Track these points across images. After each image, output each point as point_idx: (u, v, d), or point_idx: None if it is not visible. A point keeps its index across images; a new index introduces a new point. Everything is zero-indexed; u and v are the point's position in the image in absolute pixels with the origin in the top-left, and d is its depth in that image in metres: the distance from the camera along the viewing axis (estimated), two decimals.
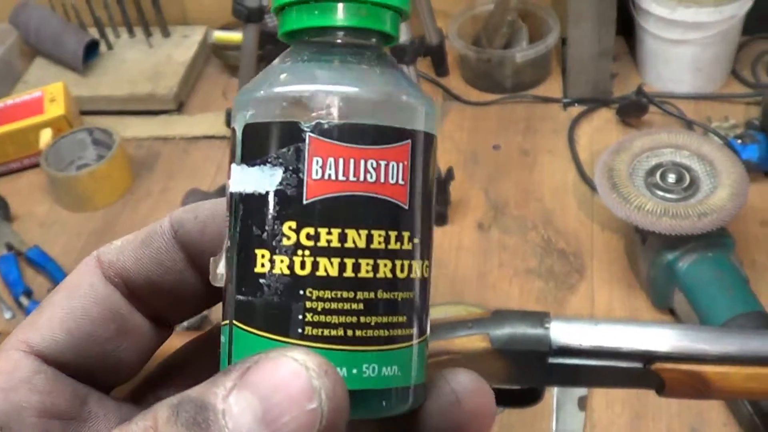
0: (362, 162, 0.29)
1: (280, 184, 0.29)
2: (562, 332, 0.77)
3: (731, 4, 1.36)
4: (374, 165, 0.29)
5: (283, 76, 0.30)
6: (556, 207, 1.28)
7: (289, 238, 0.29)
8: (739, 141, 1.26)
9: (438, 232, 1.26)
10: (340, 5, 0.30)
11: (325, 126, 0.29)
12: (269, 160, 0.29)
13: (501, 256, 1.21)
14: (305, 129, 0.29)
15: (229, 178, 0.31)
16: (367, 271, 0.29)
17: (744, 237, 1.16)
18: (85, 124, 1.50)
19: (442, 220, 1.27)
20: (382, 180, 0.29)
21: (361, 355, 0.29)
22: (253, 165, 0.30)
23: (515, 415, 0.99)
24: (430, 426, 0.32)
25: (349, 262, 0.29)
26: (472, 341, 0.79)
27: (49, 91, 1.50)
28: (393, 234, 0.30)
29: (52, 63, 1.66)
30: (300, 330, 0.29)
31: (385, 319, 0.30)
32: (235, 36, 1.57)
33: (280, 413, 0.25)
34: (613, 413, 0.99)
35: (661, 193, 1.08)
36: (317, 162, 0.29)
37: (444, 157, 1.32)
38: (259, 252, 0.30)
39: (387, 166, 0.29)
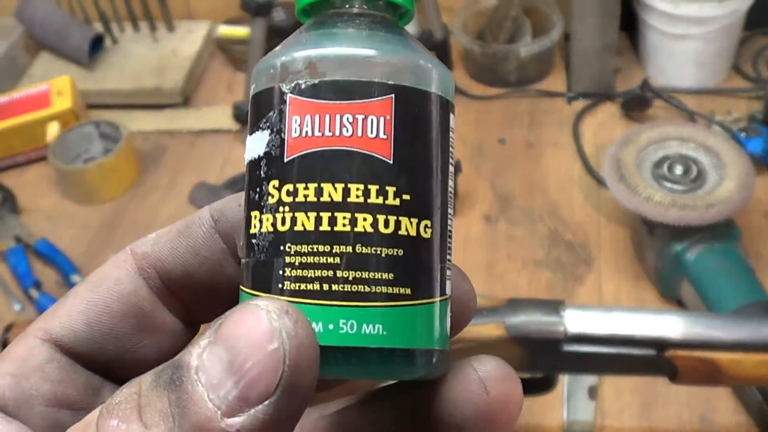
0: (338, 117, 0.29)
1: (267, 146, 0.30)
2: (576, 320, 0.78)
3: (733, 0, 1.37)
4: (350, 119, 0.29)
5: (278, 48, 0.32)
6: (563, 199, 1.29)
7: (273, 196, 0.30)
8: (743, 134, 1.27)
9: None
10: None
11: (302, 86, 0.30)
12: (261, 125, 0.30)
13: (509, 247, 1.22)
14: (285, 91, 0.30)
15: None
16: (344, 225, 0.29)
17: (749, 229, 1.17)
18: (91, 117, 1.51)
19: None
20: (360, 134, 0.29)
21: (338, 310, 0.29)
22: (253, 133, 0.31)
23: (526, 404, 1.00)
24: (457, 414, 0.31)
25: (325, 216, 0.29)
26: (488, 329, 0.80)
27: (56, 85, 1.51)
28: (373, 188, 0.29)
29: (57, 57, 1.66)
30: (280, 285, 0.29)
31: (365, 275, 0.29)
32: (239, 31, 1.58)
33: (244, 359, 0.25)
34: (624, 402, 1.00)
35: (668, 184, 1.09)
36: (296, 120, 0.29)
37: None
38: (253, 214, 0.30)
39: (365, 120, 0.29)
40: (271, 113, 0.30)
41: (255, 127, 0.31)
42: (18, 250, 1.30)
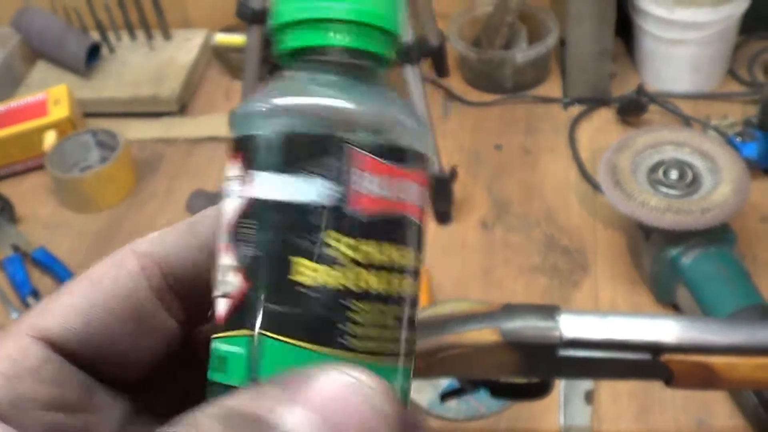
0: (397, 180, 0.30)
1: (324, 194, 0.29)
2: (571, 325, 0.78)
3: (728, 5, 1.37)
4: (405, 185, 0.30)
5: (317, 87, 0.31)
6: (559, 205, 1.29)
7: (330, 246, 0.29)
8: (739, 138, 1.27)
9: (443, 231, 1.28)
10: (339, 26, 0.31)
11: (371, 142, 0.30)
12: (313, 170, 0.29)
13: (505, 253, 1.22)
14: (352, 143, 0.29)
15: (247, 182, 0.30)
16: (399, 285, 0.30)
17: (745, 233, 1.18)
18: (88, 126, 1.51)
19: (447, 218, 1.28)
20: (412, 201, 0.30)
21: (394, 369, 0.30)
22: (293, 174, 0.30)
23: (523, 409, 1.00)
24: None
25: (385, 276, 0.30)
26: (483, 335, 0.80)
27: (53, 94, 1.51)
28: (415, 254, 0.31)
29: (54, 66, 1.66)
30: (343, 341, 0.29)
31: (407, 335, 0.30)
32: (236, 38, 1.58)
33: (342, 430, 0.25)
34: (620, 407, 1.00)
35: (663, 189, 1.09)
36: (361, 176, 0.29)
37: (447, 156, 1.33)
38: (297, 260, 0.29)
39: (412, 187, 0.31)
40: (329, 161, 0.29)
41: (297, 169, 0.30)
42: (15, 259, 1.30)
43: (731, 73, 1.50)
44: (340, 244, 0.29)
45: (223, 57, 1.65)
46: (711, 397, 1.00)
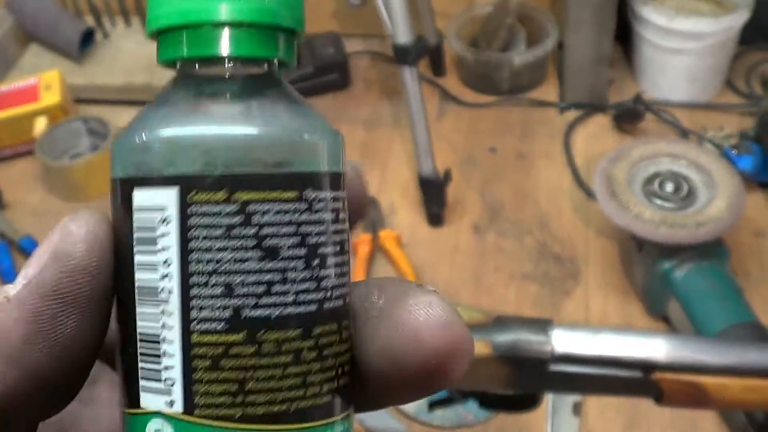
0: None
1: None
2: (563, 340, 0.77)
3: (729, 15, 1.37)
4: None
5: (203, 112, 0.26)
6: (552, 211, 1.29)
7: None
8: (735, 151, 1.27)
9: (434, 234, 1.27)
10: (225, 31, 0.26)
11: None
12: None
13: (497, 259, 1.21)
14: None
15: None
16: None
17: (738, 247, 1.17)
18: (79, 113, 1.50)
19: (439, 221, 1.27)
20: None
21: None
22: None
23: (511, 420, 1.00)
24: (389, 364, 0.26)
25: None
26: (475, 347, 0.80)
27: (45, 79, 1.49)
28: None
29: (48, 50, 1.64)
30: None
31: None
32: None
33: None
34: (608, 419, 1.00)
35: (659, 201, 1.09)
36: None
37: (441, 158, 1.31)
38: None
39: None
40: None
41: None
42: (1, 247, 1.29)
43: (729, 84, 1.50)
44: None
45: None
46: (699, 414, 0.99)
